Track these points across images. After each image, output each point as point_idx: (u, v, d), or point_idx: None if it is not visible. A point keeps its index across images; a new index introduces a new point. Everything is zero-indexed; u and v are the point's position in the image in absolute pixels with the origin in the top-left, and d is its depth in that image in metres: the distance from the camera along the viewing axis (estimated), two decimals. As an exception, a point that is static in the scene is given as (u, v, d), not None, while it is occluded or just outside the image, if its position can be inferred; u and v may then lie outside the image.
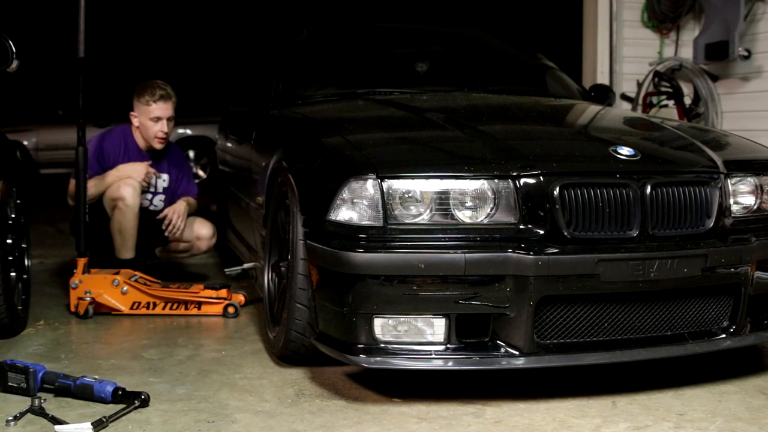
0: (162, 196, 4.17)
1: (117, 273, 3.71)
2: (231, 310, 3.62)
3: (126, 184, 3.94)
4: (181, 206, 4.12)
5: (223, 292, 3.66)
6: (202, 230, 4.26)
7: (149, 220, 4.06)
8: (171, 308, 3.68)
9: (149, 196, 4.13)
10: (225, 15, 15.23)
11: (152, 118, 4.02)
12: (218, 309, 3.64)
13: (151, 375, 2.78)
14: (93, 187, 3.87)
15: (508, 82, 4.09)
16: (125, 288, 3.65)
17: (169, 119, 4.06)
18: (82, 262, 3.67)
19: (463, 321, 2.40)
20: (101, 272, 3.72)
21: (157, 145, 4.08)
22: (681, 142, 2.90)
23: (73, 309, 3.63)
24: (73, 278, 3.65)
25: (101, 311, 3.65)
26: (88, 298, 3.60)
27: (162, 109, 4.03)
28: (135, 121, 4.09)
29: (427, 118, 3.03)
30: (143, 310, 3.67)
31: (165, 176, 4.17)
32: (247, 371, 2.81)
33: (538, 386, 2.57)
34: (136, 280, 3.70)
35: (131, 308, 3.67)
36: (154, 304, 3.68)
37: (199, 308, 3.66)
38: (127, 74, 13.31)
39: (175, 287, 3.74)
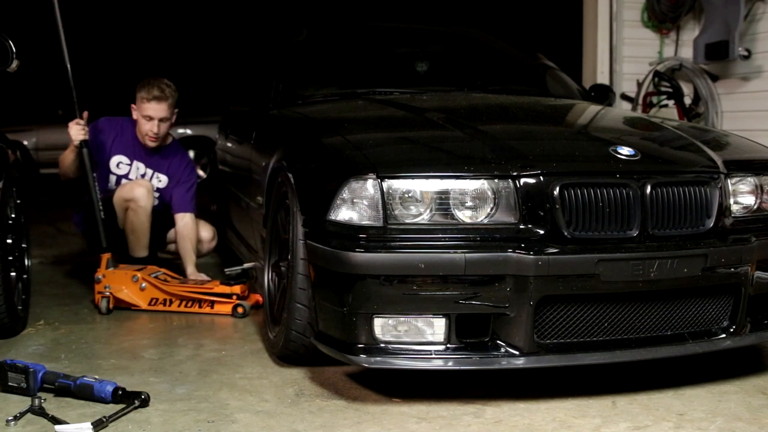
0: (156, 194, 4.16)
1: (140, 269, 3.73)
2: (240, 310, 3.61)
3: (138, 185, 3.95)
4: (202, 277, 3.97)
5: (237, 288, 3.65)
6: (203, 233, 4.25)
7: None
8: (186, 306, 3.68)
9: None
10: (225, 15, 15.23)
11: (145, 116, 4.00)
12: (229, 308, 3.64)
13: (151, 375, 2.78)
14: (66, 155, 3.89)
15: (508, 82, 4.09)
16: (144, 284, 3.67)
17: (162, 120, 4.01)
18: (105, 257, 3.70)
19: (463, 321, 2.40)
20: (125, 267, 3.74)
21: (149, 143, 4.06)
22: (681, 142, 2.90)
23: (97, 302, 3.66)
24: (97, 273, 3.68)
25: (121, 306, 3.67)
26: (108, 293, 3.62)
27: (154, 109, 3.98)
28: (134, 114, 4.08)
29: (427, 118, 3.03)
30: (160, 307, 3.68)
31: (164, 177, 4.16)
32: (247, 371, 2.81)
33: (538, 386, 2.57)
34: (157, 277, 3.71)
35: (149, 304, 3.68)
36: (171, 301, 3.69)
37: (211, 306, 3.66)
38: (128, 74, 13.36)
39: (192, 283, 3.75)
